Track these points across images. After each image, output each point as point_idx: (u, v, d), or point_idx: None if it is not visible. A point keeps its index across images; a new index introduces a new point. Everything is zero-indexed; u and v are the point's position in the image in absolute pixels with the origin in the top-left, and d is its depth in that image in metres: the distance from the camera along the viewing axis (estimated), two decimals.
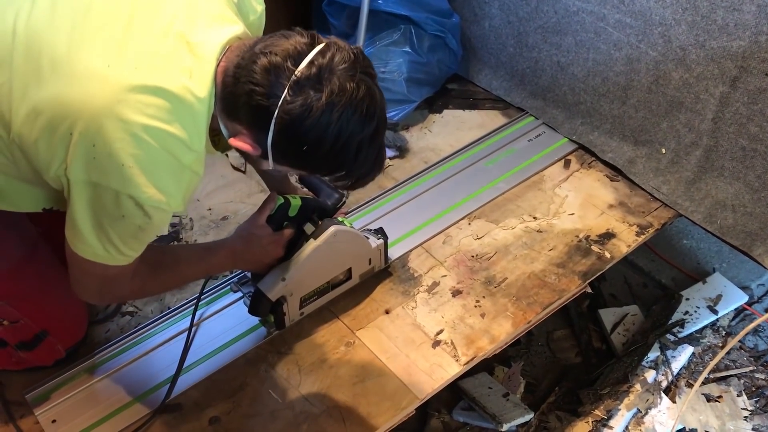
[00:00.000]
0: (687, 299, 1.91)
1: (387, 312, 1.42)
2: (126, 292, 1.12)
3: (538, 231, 1.59)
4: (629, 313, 1.90)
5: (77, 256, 0.99)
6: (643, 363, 1.74)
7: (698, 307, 1.89)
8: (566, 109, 1.82)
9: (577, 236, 1.57)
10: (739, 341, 1.85)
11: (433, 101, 1.96)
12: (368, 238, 1.42)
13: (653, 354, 1.76)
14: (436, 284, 1.47)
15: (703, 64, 1.49)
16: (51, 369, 1.30)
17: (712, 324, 1.87)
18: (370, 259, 1.44)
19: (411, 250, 1.54)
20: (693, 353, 1.80)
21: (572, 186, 1.70)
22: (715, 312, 1.87)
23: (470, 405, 1.68)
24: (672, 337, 1.82)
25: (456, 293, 1.45)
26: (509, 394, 1.67)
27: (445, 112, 1.95)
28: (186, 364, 1.32)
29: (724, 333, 1.86)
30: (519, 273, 1.49)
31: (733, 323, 1.90)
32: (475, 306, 1.43)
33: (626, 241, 1.56)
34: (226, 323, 1.39)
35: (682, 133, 1.60)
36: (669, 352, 1.78)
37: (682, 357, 1.78)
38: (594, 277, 1.49)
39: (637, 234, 1.58)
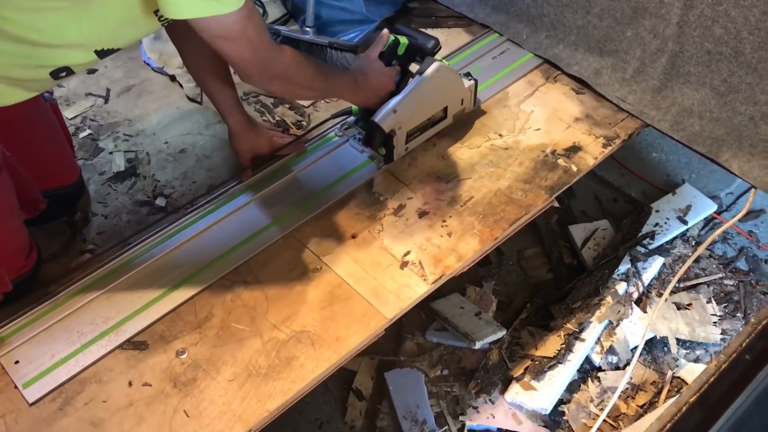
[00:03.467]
0: (657, 211, 1.92)
1: (353, 237, 1.40)
2: (278, 67, 1.17)
3: (504, 148, 1.56)
4: (599, 228, 1.90)
5: (205, 23, 1.03)
6: (614, 276, 1.75)
7: (668, 219, 1.89)
8: (530, 22, 1.77)
9: (544, 151, 1.55)
10: (709, 249, 1.87)
11: (394, 21, 1.90)
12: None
13: (624, 267, 1.77)
14: (402, 207, 1.45)
15: None
16: (5, 308, 1.27)
17: (682, 234, 1.88)
18: (462, 99, 1.56)
19: (376, 174, 1.51)
20: (663, 264, 1.81)
21: (538, 101, 1.67)
22: (685, 222, 1.88)
23: (443, 326, 1.69)
24: (642, 249, 1.83)
25: (422, 214, 1.43)
26: (481, 313, 1.68)
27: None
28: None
29: (694, 243, 1.87)
30: (485, 191, 1.47)
31: (703, 232, 1.91)
32: (442, 226, 1.41)
33: (593, 153, 1.54)
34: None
35: (647, 41, 1.56)
36: (639, 264, 1.79)
37: (652, 268, 1.79)
38: (561, 191, 1.47)
39: (604, 146, 1.56)
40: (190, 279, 1.32)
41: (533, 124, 1.61)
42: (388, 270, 1.34)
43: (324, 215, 1.42)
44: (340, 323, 1.26)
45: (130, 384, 1.19)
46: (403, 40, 1.45)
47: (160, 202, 1.49)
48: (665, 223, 1.89)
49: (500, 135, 1.59)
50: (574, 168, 1.52)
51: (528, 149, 1.56)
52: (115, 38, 1.09)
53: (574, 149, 1.55)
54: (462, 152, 1.56)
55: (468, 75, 1.58)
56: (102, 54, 1.10)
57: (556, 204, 1.49)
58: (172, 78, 1.76)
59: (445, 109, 1.54)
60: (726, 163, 1.50)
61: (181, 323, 1.27)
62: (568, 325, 1.63)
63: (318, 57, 1.72)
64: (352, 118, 1.58)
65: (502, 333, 1.64)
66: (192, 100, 1.70)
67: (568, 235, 1.89)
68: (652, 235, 1.85)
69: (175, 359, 1.22)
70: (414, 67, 1.46)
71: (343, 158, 1.54)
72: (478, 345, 1.61)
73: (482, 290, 1.78)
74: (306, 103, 1.69)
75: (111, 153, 1.59)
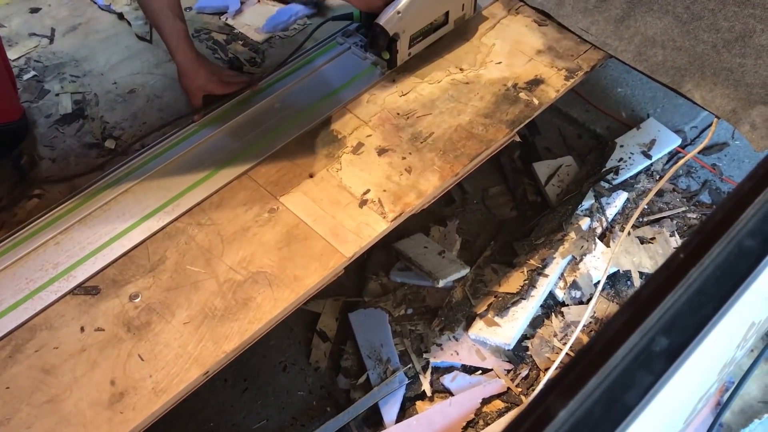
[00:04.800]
0: (621, 146, 1.90)
1: (311, 176, 1.36)
2: None
3: (465, 83, 1.52)
4: (563, 164, 1.88)
5: None
6: (578, 211, 1.74)
7: (632, 153, 1.88)
8: None
9: (505, 85, 1.51)
10: (672, 183, 1.86)
11: None
12: None
13: (588, 202, 1.76)
14: (361, 145, 1.41)
15: None
16: None
17: (647, 169, 1.87)
18: (463, 5, 1.57)
19: (334, 112, 1.46)
20: (628, 199, 1.80)
21: (499, 34, 1.62)
22: (649, 157, 1.87)
23: (407, 265, 1.67)
24: (606, 185, 1.82)
25: (382, 152, 1.40)
26: (445, 252, 1.67)
27: None
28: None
29: (657, 177, 1.86)
30: (446, 127, 1.44)
31: (667, 167, 1.90)
32: (402, 163, 1.38)
33: (555, 86, 1.51)
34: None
35: None
36: (603, 199, 1.78)
37: (616, 203, 1.78)
38: (522, 125, 1.45)
39: (566, 78, 1.53)
40: (142, 221, 1.28)
41: (494, 58, 1.57)
42: (347, 209, 1.31)
43: (280, 154, 1.38)
44: (298, 263, 1.24)
45: (82, 329, 1.16)
46: None
47: (110, 144, 1.44)
48: (629, 158, 1.88)
49: (461, 69, 1.55)
50: (536, 101, 1.49)
51: (489, 83, 1.52)
52: None
53: (536, 82, 1.52)
54: (422, 87, 1.52)
55: None
56: None
57: (517, 138, 1.46)
58: (120, 16, 1.69)
59: (447, 14, 1.55)
60: (689, 93, 1.48)
61: (133, 267, 1.23)
62: (532, 262, 1.63)
63: None
64: (354, 25, 1.59)
65: (465, 271, 1.63)
66: (141, 38, 1.64)
67: (532, 172, 1.87)
68: (616, 170, 1.84)
69: (128, 303, 1.19)
70: None
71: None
72: (441, 283, 1.60)
73: (446, 229, 1.76)
74: (260, 39, 1.63)
75: (57, 95, 1.52)
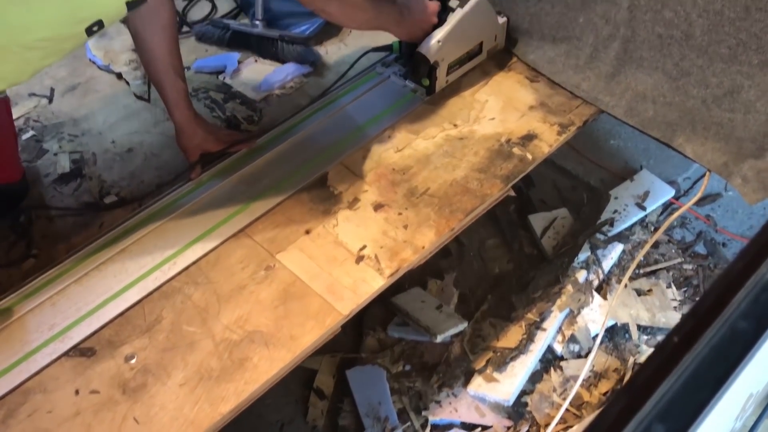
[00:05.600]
0: (615, 198, 1.92)
1: (307, 232, 1.37)
2: None
3: (459, 138, 1.54)
4: (559, 216, 1.89)
5: None
6: (574, 264, 1.74)
7: (627, 205, 1.89)
8: None
9: (499, 140, 1.53)
10: (667, 234, 1.87)
11: None
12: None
13: (584, 254, 1.76)
14: (357, 200, 1.42)
15: None
16: None
17: (641, 220, 1.88)
18: (496, 36, 1.66)
19: (330, 168, 1.48)
20: (623, 250, 1.81)
21: (492, 90, 1.65)
22: (644, 208, 1.88)
23: (404, 320, 1.66)
24: (602, 236, 1.82)
25: (378, 207, 1.41)
26: (442, 306, 1.66)
27: None
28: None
29: (653, 228, 1.87)
30: (441, 182, 1.45)
31: (662, 218, 1.91)
32: (398, 218, 1.38)
33: (548, 141, 1.53)
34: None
35: (599, 26, 1.55)
36: (599, 251, 1.78)
37: (612, 255, 1.79)
38: (516, 179, 1.46)
39: (559, 133, 1.55)
40: (138, 281, 1.28)
41: (488, 114, 1.60)
42: (343, 265, 1.31)
43: (277, 211, 1.39)
44: (295, 321, 1.23)
45: (77, 392, 1.14)
46: None
47: (109, 199, 1.44)
48: (624, 209, 1.89)
49: (455, 125, 1.57)
50: (530, 156, 1.50)
51: (483, 139, 1.54)
52: None
53: (529, 137, 1.54)
54: (417, 143, 1.53)
55: (500, 12, 1.65)
56: (131, 5, 1.08)
57: (512, 193, 1.47)
58: (119, 76, 1.71)
59: (481, 44, 1.64)
60: (680, 147, 1.50)
61: (129, 327, 1.23)
62: (529, 315, 1.62)
63: (269, 51, 1.70)
64: (392, 56, 1.67)
65: (463, 326, 1.62)
66: (139, 97, 1.66)
67: (528, 224, 1.88)
68: (611, 222, 1.85)
69: (123, 365, 1.18)
70: (454, 3, 1.53)
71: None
72: (439, 338, 1.59)
73: (443, 283, 1.76)
74: (257, 97, 1.65)
75: (56, 154, 1.54)
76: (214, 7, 1.91)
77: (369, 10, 1.39)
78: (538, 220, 1.88)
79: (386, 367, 1.59)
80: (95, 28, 1.06)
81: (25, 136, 1.58)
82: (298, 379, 1.61)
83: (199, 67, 1.71)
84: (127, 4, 1.07)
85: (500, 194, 1.45)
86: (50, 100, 1.66)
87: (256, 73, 1.70)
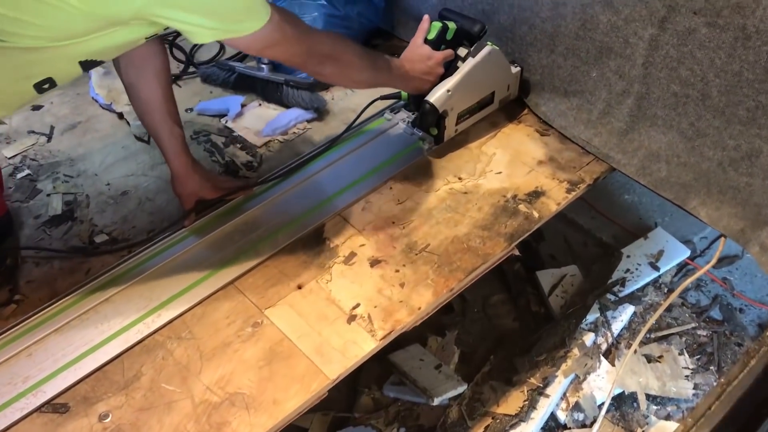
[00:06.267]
0: (628, 256, 1.84)
1: (299, 287, 1.31)
2: (325, 47, 1.22)
3: (463, 192, 1.48)
4: (568, 273, 1.82)
5: (245, 42, 1.07)
6: (582, 325, 1.67)
7: (639, 264, 1.82)
8: None
9: (504, 196, 1.47)
10: (681, 297, 1.79)
11: None
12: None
13: (593, 316, 1.69)
14: (353, 255, 1.36)
15: (630, 5, 1.38)
16: None
17: (655, 281, 1.81)
18: (509, 85, 1.62)
19: (328, 219, 1.42)
20: (634, 313, 1.73)
21: (500, 143, 1.60)
22: (657, 268, 1.81)
23: (401, 379, 1.59)
24: (612, 297, 1.75)
25: (375, 263, 1.35)
26: (442, 366, 1.59)
27: None
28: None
29: (666, 290, 1.80)
30: (442, 238, 1.39)
31: (676, 279, 1.83)
32: (395, 275, 1.32)
33: (556, 198, 1.47)
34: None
35: (612, 81, 1.50)
36: (609, 313, 1.71)
37: (622, 317, 1.71)
38: (521, 238, 1.40)
39: (568, 191, 1.49)
40: (120, 333, 1.23)
41: (495, 167, 1.54)
42: (334, 324, 1.25)
43: (269, 263, 1.34)
44: (279, 384, 1.17)
45: None
46: (451, 25, 1.50)
47: (99, 239, 1.40)
48: (636, 269, 1.81)
49: (459, 178, 1.52)
50: (536, 214, 1.44)
51: (488, 194, 1.48)
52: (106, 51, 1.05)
53: (536, 194, 1.48)
54: (419, 196, 1.48)
55: (514, 62, 1.61)
56: (86, 66, 1.05)
57: (516, 252, 1.41)
58: (120, 115, 1.68)
59: (493, 94, 1.60)
60: (694, 210, 1.43)
61: (107, 383, 1.17)
62: (532, 380, 1.54)
63: (273, 95, 1.66)
64: (401, 102, 1.64)
65: (462, 388, 1.55)
66: (139, 139, 1.62)
67: (536, 280, 1.81)
68: (622, 282, 1.77)
69: (97, 424, 1.12)
70: (462, 51, 1.50)
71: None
72: (436, 401, 1.52)
73: (444, 340, 1.69)
74: (259, 142, 1.61)
75: (49, 195, 1.50)
76: (222, 48, 1.88)
77: (366, 70, 1.33)
78: (546, 277, 1.82)
79: (380, 429, 1.52)
80: (46, 85, 1.04)
81: (19, 175, 1.55)
82: None
83: (202, 109, 1.68)
84: (82, 63, 1.04)
85: (503, 254, 1.38)
86: (49, 139, 1.64)
87: (259, 117, 1.66)
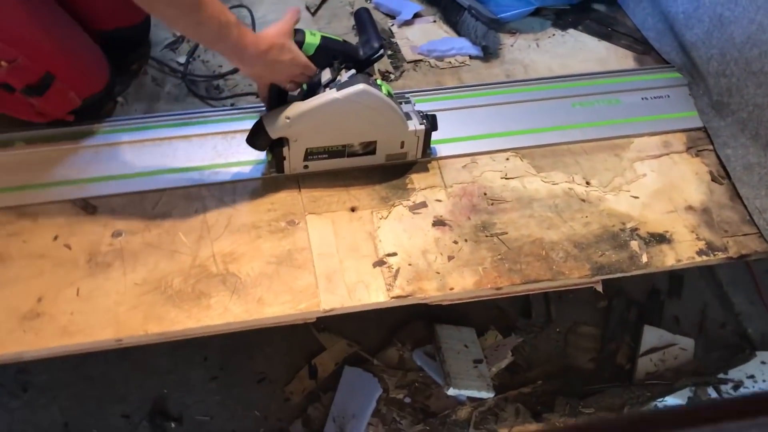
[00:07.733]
0: (763, 362, 1.51)
1: (353, 209, 1.23)
2: None
3: (581, 199, 1.28)
4: (678, 345, 1.54)
5: None
6: (656, 404, 1.41)
7: None
8: (704, 78, 1.42)
9: (623, 223, 1.24)
10: None
11: (564, 15, 1.63)
12: (409, 119, 1.23)
13: (675, 400, 1.42)
14: (423, 205, 1.24)
15: None
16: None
17: None
18: (403, 143, 1.25)
19: (421, 160, 1.30)
20: None
21: (659, 167, 1.34)
22: None
23: (435, 353, 1.47)
24: (713, 393, 1.45)
25: (438, 223, 1.22)
26: (482, 362, 1.44)
27: (570, 31, 1.61)
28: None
29: None
30: (524, 233, 1.22)
31: None
32: (450, 245, 1.19)
33: (679, 254, 1.21)
34: None
35: None
36: None
37: None
38: (608, 276, 1.18)
39: (699, 253, 1.22)
40: (175, 172, 1.25)
41: (634, 189, 1.30)
42: (360, 260, 1.16)
43: (340, 175, 1.26)
44: (273, 287, 1.12)
45: (55, 238, 1.15)
46: (313, 38, 1.12)
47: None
48: (764, 381, 1.49)
49: (588, 183, 1.30)
50: (645, 259, 1.20)
51: (607, 213, 1.26)
52: None
53: (660, 238, 1.23)
54: (531, 180, 1.30)
55: (425, 117, 1.24)
56: None
57: (599, 288, 1.19)
58: None
59: (374, 145, 1.24)
60: None
61: (138, 208, 1.20)
62: (560, 425, 1.35)
63: (452, 17, 1.54)
64: None
65: (487, 395, 1.40)
66: None
67: (639, 334, 1.56)
68: (735, 385, 1.46)
69: (108, 237, 1.16)
70: (326, 75, 1.15)
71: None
72: (451, 392, 1.38)
73: (504, 341, 1.52)
74: (410, 57, 1.50)
75: None
76: None
77: (179, 7, 0.97)
78: (652, 335, 1.56)
79: (387, 387, 1.43)
80: None
81: None
82: (305, 348, 1.52)
83: (378, 4, 1.60)
84: None
85: (580, 281, 1.18)
86: None
87: (425, 32, 1.54)
